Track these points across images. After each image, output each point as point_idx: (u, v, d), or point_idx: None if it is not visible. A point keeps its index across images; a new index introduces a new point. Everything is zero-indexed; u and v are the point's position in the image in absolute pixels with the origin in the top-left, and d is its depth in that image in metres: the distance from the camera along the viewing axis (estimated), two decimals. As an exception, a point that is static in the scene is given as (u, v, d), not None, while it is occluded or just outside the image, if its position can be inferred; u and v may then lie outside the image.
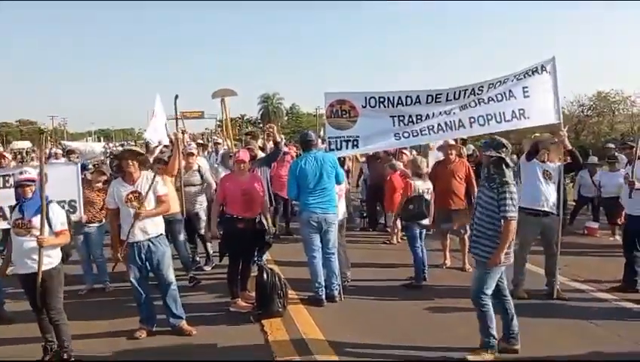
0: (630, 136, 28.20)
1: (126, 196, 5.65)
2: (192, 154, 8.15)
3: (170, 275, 5.89)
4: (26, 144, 50.37)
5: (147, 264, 5.75)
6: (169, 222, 6.87)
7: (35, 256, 4.91)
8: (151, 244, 5.71)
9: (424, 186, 7.70)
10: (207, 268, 8.46)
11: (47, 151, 24.44)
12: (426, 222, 7.67)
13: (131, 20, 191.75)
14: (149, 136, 10.22)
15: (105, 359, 5.30)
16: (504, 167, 4.83)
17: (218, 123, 66.39)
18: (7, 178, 6.64)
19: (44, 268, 4.94)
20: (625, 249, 7.07)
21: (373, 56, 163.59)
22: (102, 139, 63.40)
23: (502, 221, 4.74)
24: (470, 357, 4.85)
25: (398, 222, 9.82)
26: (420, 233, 7.66)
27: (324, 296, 6.60)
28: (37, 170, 5.24)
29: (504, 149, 4.88)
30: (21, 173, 5.11)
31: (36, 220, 4.92)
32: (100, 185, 7.77)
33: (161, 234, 5.89)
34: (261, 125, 70.51)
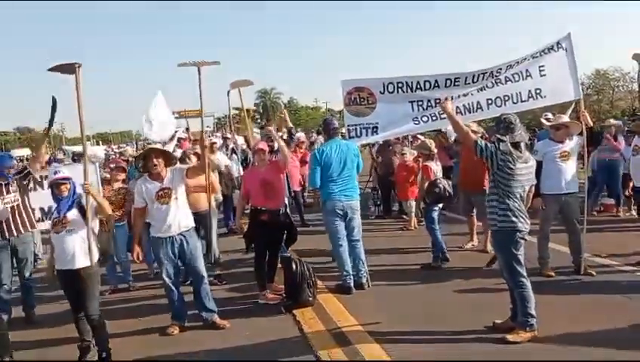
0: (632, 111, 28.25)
1: (156, 193, 5.64)
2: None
3: (203, 269, 5.90)
4: (25, 151, 50.12)
5: (180, 258, 5.76)
6: (202, 217, 6.84)
7: (74, 252, 4.93)
8: (183, 238, 5.71)
9: (438, 168, 7.92)
10: None
11: (48, 156, 24.52)
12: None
13: (123, 18, 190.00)
14: (149, 133, 10.17)
15: (142, 356, 5.28)
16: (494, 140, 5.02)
17: (216, 120, 66.37)
18: (40, 179, 6.72)
19: (81, 265, 4.93)
20: None
21: (369, 48, 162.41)
22: (100, 142, 63.09)
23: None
24: (510, 337, 4.81)
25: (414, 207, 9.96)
26: (437, 215, 7.80)
27: (352, 284, 6.58)
28: (68, 167, 5.21)
29: (503, 124, 4.98)
30: (55, 172, 5.08)
31: (70, 214, 4.94)
32: (119, 183, 7.75)
33: (192, 227, 5.89)
34: (258, 120, 70.33)
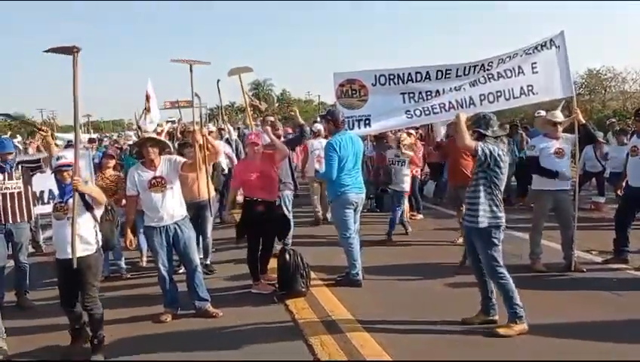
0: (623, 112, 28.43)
1: (149, 182, 5.64)
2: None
3: (196, 258, 5.93)
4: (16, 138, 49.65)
5: (174, 247, 5.78)
6: (200, 207, 6.96)
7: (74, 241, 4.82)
8: (177, 227, 5.72)
9: None
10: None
11: (38, 143, 24.39)
12: None
13: (114, 8, 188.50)
14: (151, 124, 10.15)
15: (135, 343, 5.30)
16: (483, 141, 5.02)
17: (208, 111, 65.96)
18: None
19: (82, 253, 4.83)
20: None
21: (365, 41, 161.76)
22: (92, 130, 62.67)
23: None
24: (501, 331, 4.86)
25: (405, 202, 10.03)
26: None
27: (361, 277, 6.57)
28: (70, 152, 5.15)
29: (483, 120, 5.08)
30: (58, 158, 5.04)
31: (72, 201, 4.83)
32: (110, 170, 7.72)
33: (186, 216, 5.90)
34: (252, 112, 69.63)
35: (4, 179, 6.32)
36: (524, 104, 7.33)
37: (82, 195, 4.86)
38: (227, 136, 11.76)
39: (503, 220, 4.99)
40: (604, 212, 10.43)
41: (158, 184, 5.66)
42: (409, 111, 7.16)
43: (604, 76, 36.46)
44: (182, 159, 5.82)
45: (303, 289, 6.18)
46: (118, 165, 8.58)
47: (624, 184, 7.37)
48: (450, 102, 7.08)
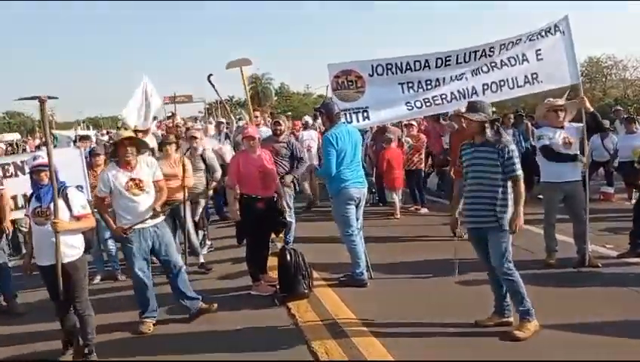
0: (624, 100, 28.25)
1: (126, 183, 5.31)
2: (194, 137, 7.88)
3: (179, 259, 5.70)
4: (15, 136, 49.42)
5: (154, 251, 5.51)
6: (176, 207, 6.82)
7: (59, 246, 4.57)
8: (156, 230, 5.46)
9: None
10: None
11: (37, 141, 24.18)
12: None
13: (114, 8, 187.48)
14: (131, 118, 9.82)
15: (129, 347, 5.10)
16: (500, 126, 4.75)
17: (207, 106, 65.61)
18: (21, 164, 6.63)
19: (69, 259, 4.62)
20: None
21: (365, 41, 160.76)
22: (90, 127, 62.34)
23: (510, 181, 4.61)
24: (518, 334, 4.57)
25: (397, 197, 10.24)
26: None
27: (366, 277, 6.29)
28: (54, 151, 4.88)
29: (490, 110, 4.79)
30: (34, 158, 4.78)
31: (53, 206, 4.57)
32: (102, 167, 7.47)
33: (163, 219, 5.68)
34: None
35: None
36: (529, 93, 6.99)
37: (67, 202, 4.64)
38: (226, 130, 11.45)
39: None
40: (614, 202, 10.16)
41: (137, 186, 5.35)
42: (409, 102, 6.86)
43: (605, 64, 36.29)
44: (159, 175, 5.62)
45: (305, 291, 5.91)
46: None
47: None
48: (452, 93, 6.79)
